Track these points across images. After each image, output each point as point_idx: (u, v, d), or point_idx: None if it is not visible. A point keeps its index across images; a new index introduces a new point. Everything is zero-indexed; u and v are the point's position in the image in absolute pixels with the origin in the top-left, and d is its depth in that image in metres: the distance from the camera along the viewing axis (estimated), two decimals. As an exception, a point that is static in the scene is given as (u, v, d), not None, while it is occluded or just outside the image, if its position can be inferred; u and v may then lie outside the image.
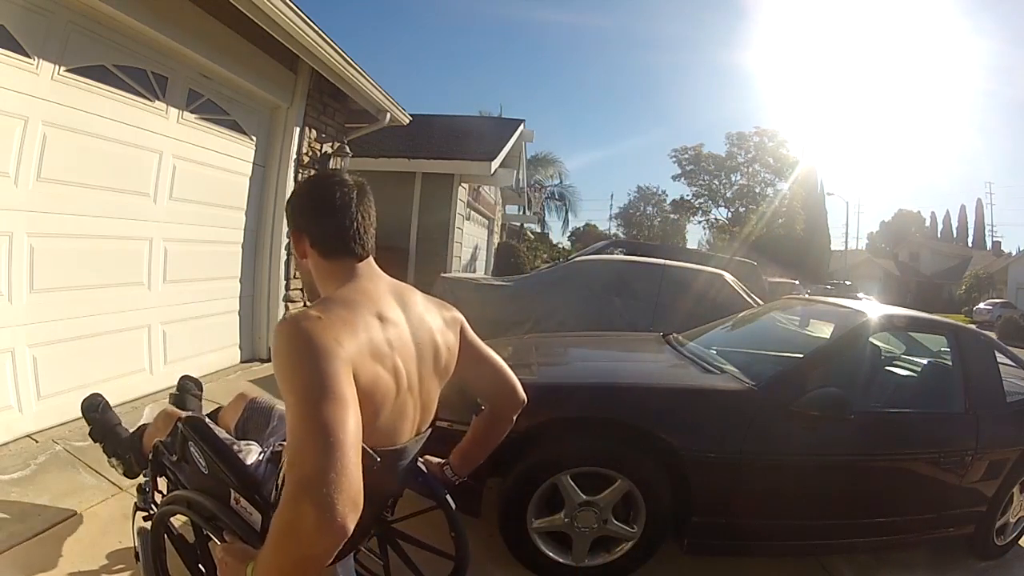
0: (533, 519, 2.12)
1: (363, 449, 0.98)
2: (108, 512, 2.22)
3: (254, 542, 1.14)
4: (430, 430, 1.34)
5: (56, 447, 2.66)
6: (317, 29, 4.03)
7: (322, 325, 1.02)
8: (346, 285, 1.23)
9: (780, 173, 30.20)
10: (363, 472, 0.93)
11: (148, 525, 1.53)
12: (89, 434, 1.89)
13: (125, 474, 2.02)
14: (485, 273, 12.20)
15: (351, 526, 0.85)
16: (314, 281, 1.31)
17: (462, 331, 1.40)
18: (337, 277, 1.26)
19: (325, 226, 1.27)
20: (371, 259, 1.33)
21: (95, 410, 1.95)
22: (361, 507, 0.89)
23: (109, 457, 2.05)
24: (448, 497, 1.55)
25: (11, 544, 1.92)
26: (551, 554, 2.13)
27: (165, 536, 1.46)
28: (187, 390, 2.20)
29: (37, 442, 2.68)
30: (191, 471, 1.41)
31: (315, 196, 1.30)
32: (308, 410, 0.93)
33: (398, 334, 1.18)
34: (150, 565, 1.50)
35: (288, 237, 1.33)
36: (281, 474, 1.19)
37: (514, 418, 1.49)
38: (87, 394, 2.05)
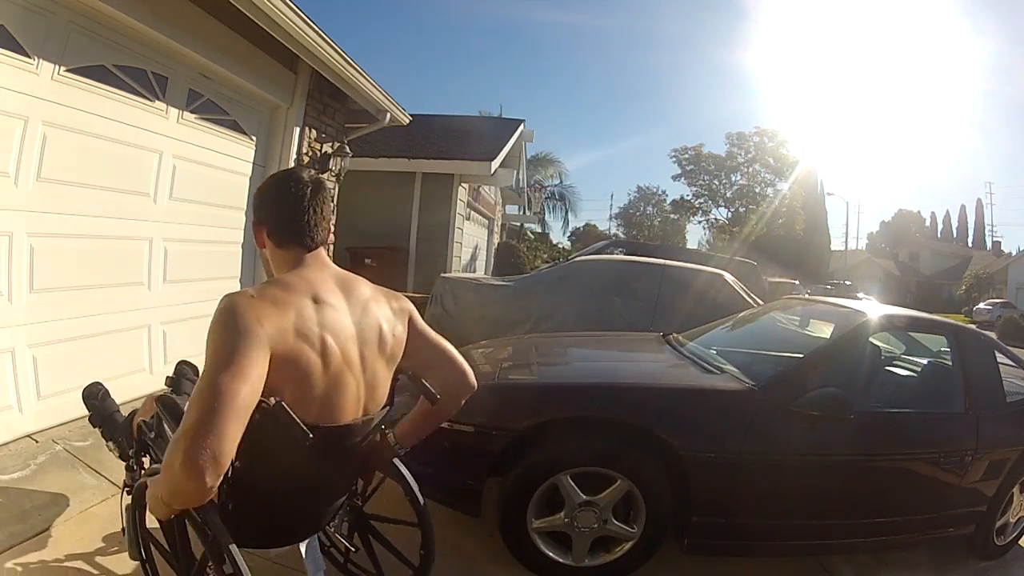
0: (533, 519, 2.12)
1: (296, 424, 1.14)
2: (108, 512, 2.21)
3: (209, 508, 1.21)
4: (386, 412, 1.43)
5: (56, 447, 2.66)
6: (317, 29, 4.03)
7: (251, 304, 1.16)
8: (292, 271, 1.34)
9: (780, 173, 30.19)
10: (298, 447, 1.14)
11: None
12: (88, 419, 1.91)
13: (121, 457, 2.05)
14: (485, 273, 12.20)
15: (209, 477, 1.00)
16: (271, 269, 1.43)
17: (411, 320, 1.49)
18: (287, 264, 1.37)
19: (279, 218, 1.38)
20: (321, 250, 1.42)
21: (95, 397, 2.00)
22: (223, 466, 1.03)
23: (107, 441, 2.09)
24: (400, 466, 1.64)
25: (11, 544, 1.92)
26: (551, 554, 2.13)
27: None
28: (183, 375, 2.22)
29: (37, 442, 2.68)
30: (165, 446, 1.48)
31: (272, 190, 1.42)
32: (210, 375, 1.08)
33: (335, 317, 1.28)
34: (133, 538, 1.57)
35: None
36: None
37: (463, 402, 1.57)
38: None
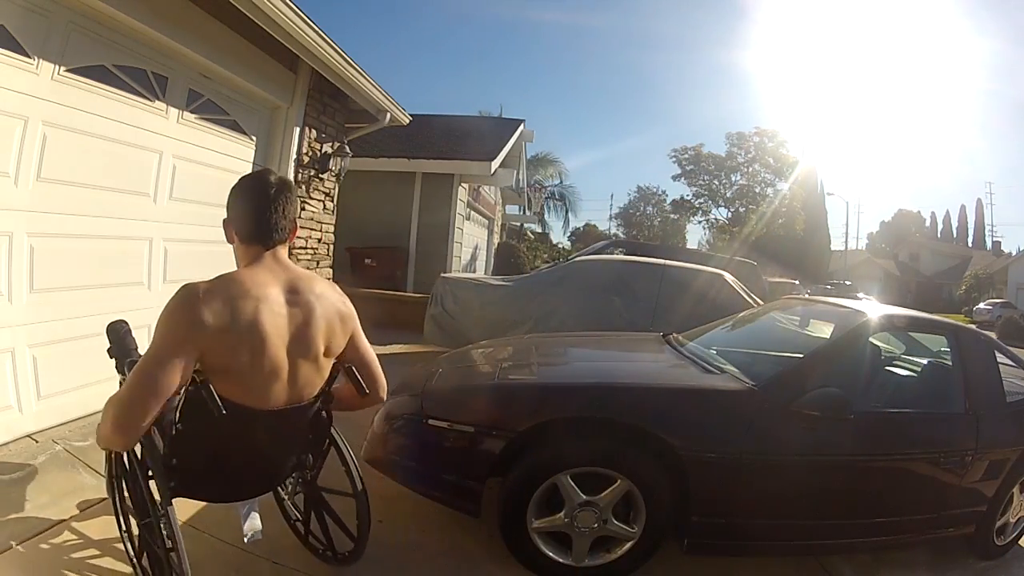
0: (533, 519, 2.12)
1: (215, 402, 1.38)
2: (108, 512, 2.21)
3: (156, 459, 1.52)
4: (317, 401, 1.63)
5: (56, 447, 2.66)
6: (317, 29, 4.03)
7: (197, 299, 1.36)
8: (248, 267, 1.51)
9: (780, 173, 30.16)
10: (223, 420, 1.38)
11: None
12: (107, 351, 2.04)
13: None
14: (485, 273, 12.20)
15: (128, 440, 1.37)
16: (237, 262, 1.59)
17: (353, 332, 1.66)
18: (245, 260, 1.54)
19: (243, 217, 1.53)
20: (279, 249, 1.56)
21: (117, 333, 2.12)
22: (140, 431, 1.35)
23: (119, 375, 2.14)
24: (336, 435, 1.88)
25: (11, 544, 1.92)
26: (551, 554, 2.13)
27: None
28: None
29: (37, 442, 2.68)
30: None
31: (239, 190, 1.57)
32: (146, 361, 1.35)
33: (272, 315, 1.44)
34: (110, 486, 1.79)
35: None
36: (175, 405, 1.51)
37: (364, 407, 1.81)
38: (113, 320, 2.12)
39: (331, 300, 1.59)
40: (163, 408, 1.38)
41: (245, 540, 1.82)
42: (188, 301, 1.36)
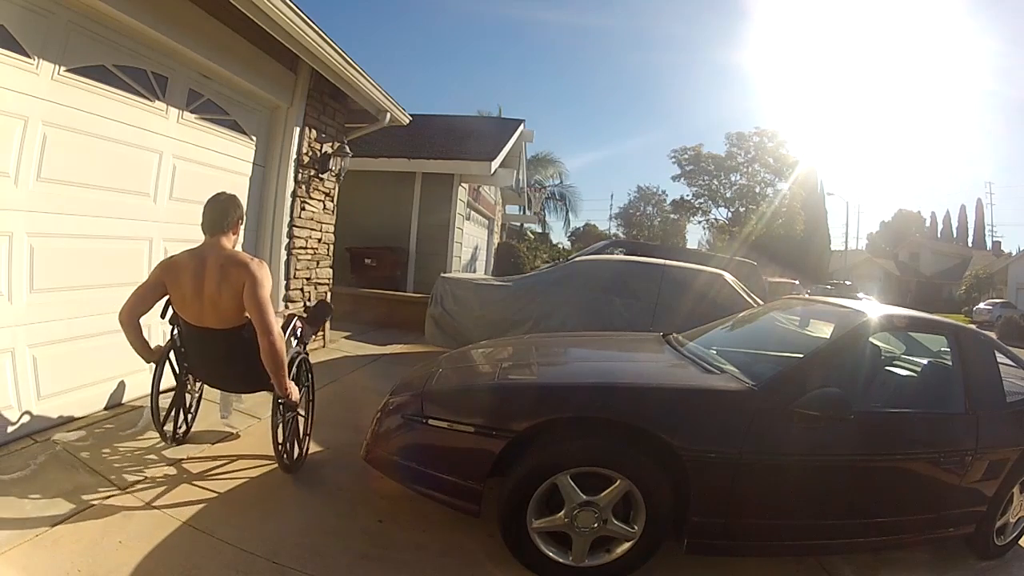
0: (533, 519, 2.12)
1: (170, 311, 2.64)
2: (108, 512, 2.22)
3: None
4: (237, 331, 2.56)
5: (56, 447, 2.66)
6: (317, 29, 4.03)
7: (161, 263, 2.62)
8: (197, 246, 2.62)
9: (780, 173, 30.13)
10: (178, 329, 2.68)
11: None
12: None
13: None
14: (485, 273, 12.20)
15: (121, 318, 2.53)
16: None
17: (244, 287, 2.48)
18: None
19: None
20: (214, 236, 2.60)
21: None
22: (125, 322, 2.54)
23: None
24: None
25: (11, 544, 1.92)
26: (551, 554, 2.13)
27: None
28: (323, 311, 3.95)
29: (37, 442, 2.68)
30: None
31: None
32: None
33: (189, 271, 2.51)
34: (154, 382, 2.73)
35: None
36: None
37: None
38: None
39: (224, 267, 2.53)
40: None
41: (224, 415, 3.23)
42: (160, 262, 2.67)
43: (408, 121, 6.28)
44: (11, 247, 2.67)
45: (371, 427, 2.52)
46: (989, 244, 47.90)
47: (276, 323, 2.50)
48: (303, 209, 5.01)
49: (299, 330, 3.14)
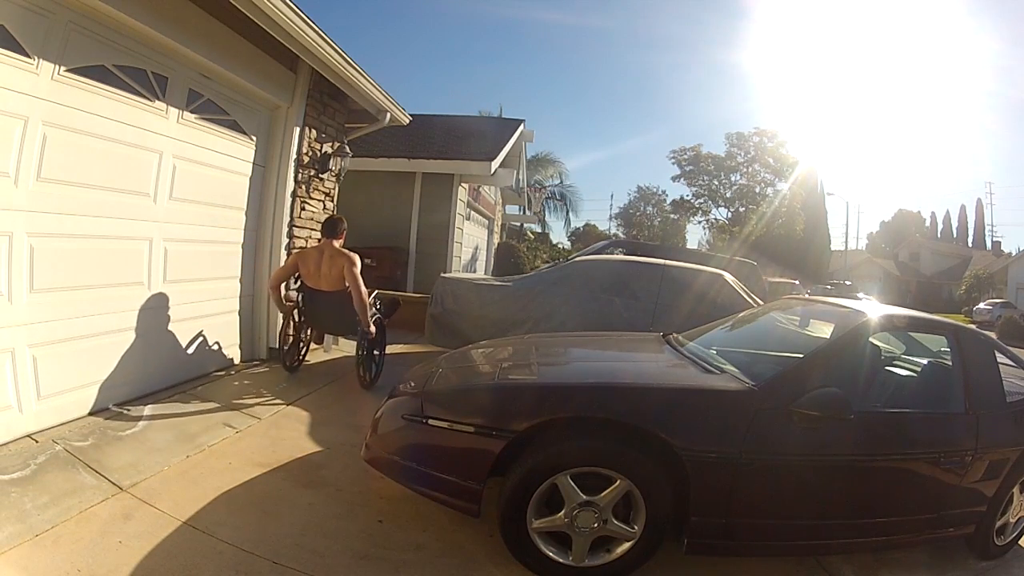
0: (533, 519, 2.12)
1: (301, 282, 4.35)
2: (108, 512, 2.22)
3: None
4: (334, 292, 4.20)
5: (56, 447, 2.66)
6: (317, 29, 4.03)
7: (301, 250, 4.58)
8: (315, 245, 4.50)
9: (780, 173, 30.13)
10: (301, 295, 4.39)
11: None
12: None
13: None
14: (485, 273, 12.20)
15: (270, 287, 4.36)
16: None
17: (344, 269, 4.15)
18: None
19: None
20: (328, 239, 4.29)
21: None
22: (273, 287, 4.30)
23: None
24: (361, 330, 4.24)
25: (11, 544, 1.92)
26: (551, 554, 2.13)
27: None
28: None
29: (37, 442, 2.68)
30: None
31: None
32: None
33: (315, 257, 4.25)
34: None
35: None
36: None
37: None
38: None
39: (337, 257, 4.18)
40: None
41: (326, 349, 5.24)
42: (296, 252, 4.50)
43: (408, 121, 6.27)
44: (11, 247, 2.67)
45: (371, 427, 2.52)
46: (989, 244, 47.92)
47: (363, 286, 4.14)
48: (303, 209, 5.01)
49: (378, 302, 4.63)
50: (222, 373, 4.23)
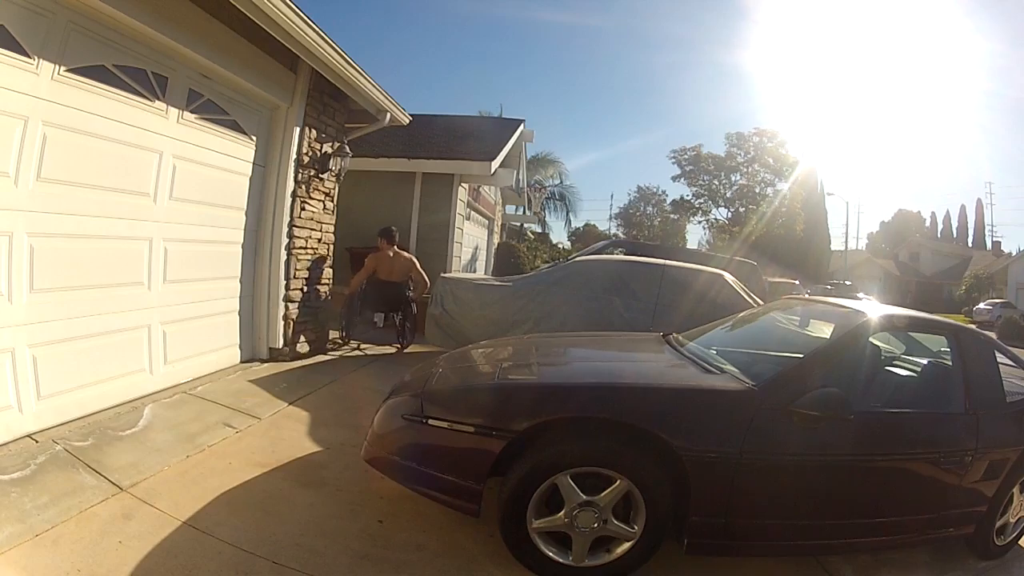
0: (533, 519, 2.12)
1: (372, 276, 6.11)
2: (108, 512, 2.22)
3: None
4: (399, 282, 6.21)
5: (56, 447, 2.66)
6: (317, 29, 4.03)
7: (375, 255, 6.15)
8: (380, 251, 6.20)
9: (780, 173, 30.09)
10: (372, 278, 6.13)
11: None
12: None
13: None
14: (485, 273, 12.19)
15: (351, 284, 6.17)
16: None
17: (411, 267, 6.25)
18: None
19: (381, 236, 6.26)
20: (391, 245, 6.18)
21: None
22: (354, 286, 6.13)
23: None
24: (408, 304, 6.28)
25: (11, 544, 1.92)
26: (551, 554, 2.13)
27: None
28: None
29: (37, 442, 2.68)
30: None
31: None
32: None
33: (388, 258, 6.12)
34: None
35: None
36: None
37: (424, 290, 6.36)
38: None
39: (405, 258, 6.24)
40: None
41: (376, 324, 7.33)
42: (371, 255, 6.21)
43: (408, 121, 6.28)
44: (11, 247, 2.67)
45: (371, 427, 2.52)
46: (989, 244, 47.89)
47: (426, 277, 6.19)
48: (303, 209, 5.01)
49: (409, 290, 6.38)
50: (222, 373, 4.23)
